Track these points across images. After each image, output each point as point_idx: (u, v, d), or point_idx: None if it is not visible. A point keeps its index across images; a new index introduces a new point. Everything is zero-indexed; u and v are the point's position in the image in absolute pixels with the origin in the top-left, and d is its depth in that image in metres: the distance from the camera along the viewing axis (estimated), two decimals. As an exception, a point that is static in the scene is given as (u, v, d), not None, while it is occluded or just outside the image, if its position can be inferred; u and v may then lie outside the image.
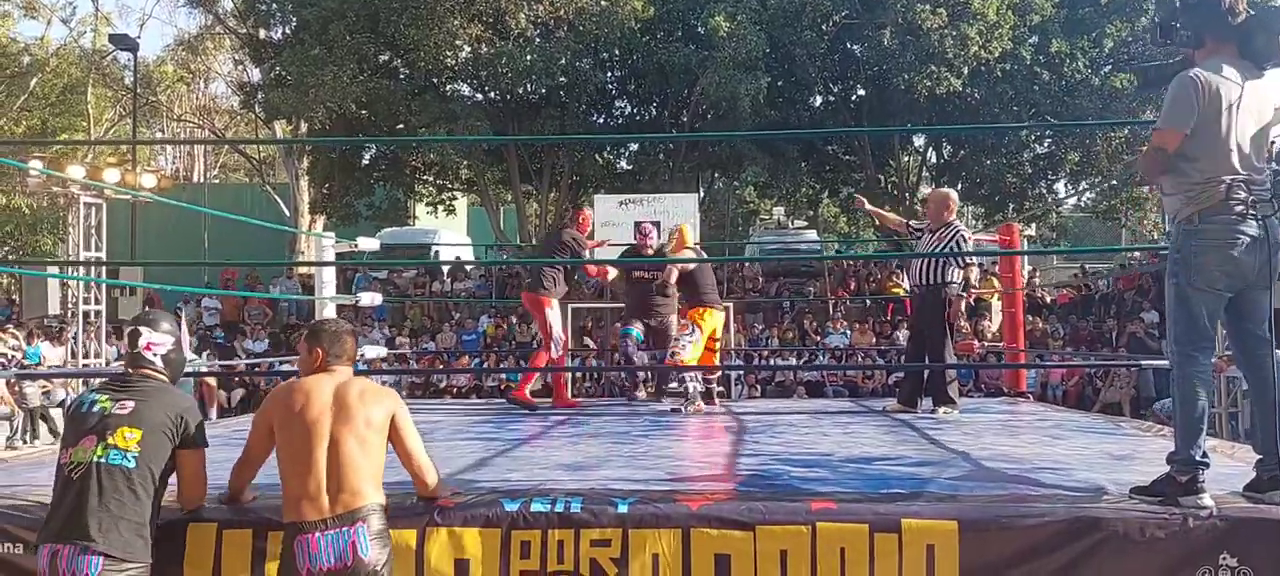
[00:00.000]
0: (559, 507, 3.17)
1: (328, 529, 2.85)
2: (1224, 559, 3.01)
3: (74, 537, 2.82)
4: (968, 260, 6.62)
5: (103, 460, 2.90)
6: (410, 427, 3.14)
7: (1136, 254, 18.11)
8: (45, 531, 2.92)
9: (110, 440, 2.93)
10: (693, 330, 6.83)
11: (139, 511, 2.91)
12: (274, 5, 20.11)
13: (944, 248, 6.31)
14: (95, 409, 3.01)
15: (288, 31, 19.71)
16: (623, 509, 3.16)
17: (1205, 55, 3.24)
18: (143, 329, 3.20)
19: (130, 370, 3.19)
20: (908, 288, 16.22)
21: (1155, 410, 11.92)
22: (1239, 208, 3.13)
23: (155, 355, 3.18)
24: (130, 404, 3.01)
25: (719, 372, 7.57)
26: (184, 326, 3.12)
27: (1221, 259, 3.17)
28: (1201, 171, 3.17)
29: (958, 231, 6.45)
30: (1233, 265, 3.17)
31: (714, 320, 7.05)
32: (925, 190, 21.23)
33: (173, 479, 3.11)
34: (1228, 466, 3.64)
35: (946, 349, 6.37)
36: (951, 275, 6.40)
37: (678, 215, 14.91)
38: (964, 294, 6.87)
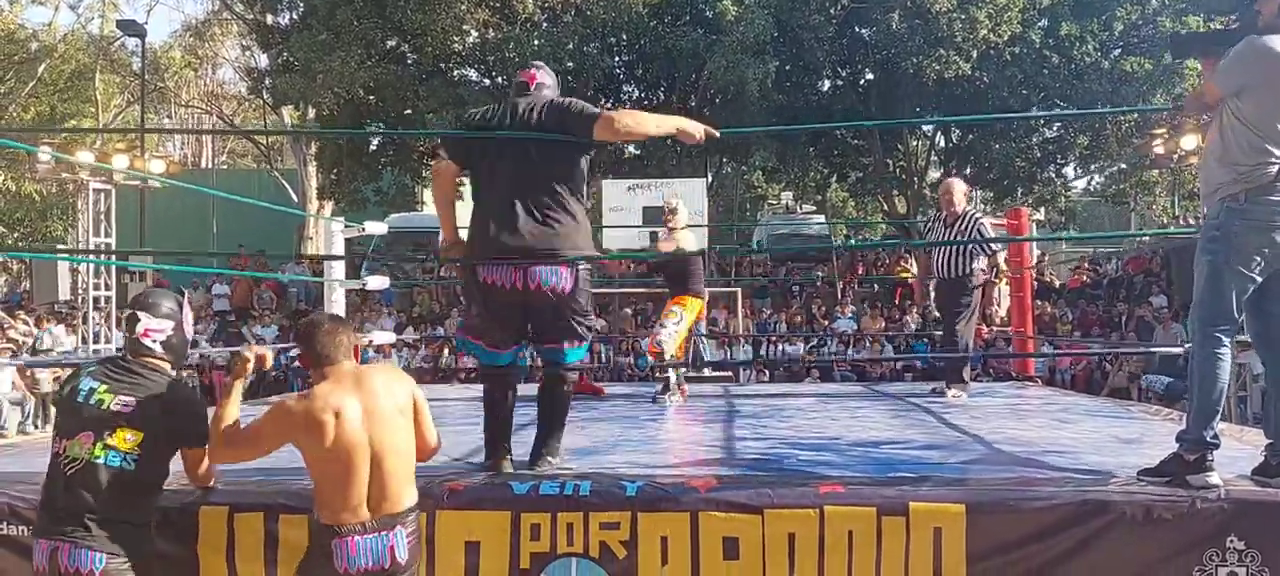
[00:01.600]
0: (568, 490, 3.19)
1: (367, 532, 2.80)
2: (1231, 541, 3.02)
3: (74, 535, 2.77)
4: (993, 248, 6.60)
5: (101, 460, 2.82)
6: (426, 408, 3.07)
7: (1146, 237, 18.05)
8: (41, 525, 2.89)
9: (109, 440, 2.83)
10: (679, 315, 6.34)
11: (138, 511, 2.87)
12: (281, -10, 20.14)
13: (967, 238, 6.33)
14: (92, 400, 2.88)
15: (295, 17, 19.71)
16: (631, 492, 3.18)
17: None
18: (140, 314, 3.01)
19: (130, 355, 3.02)
20: (915, 272, 16.23)
21: (1146, 384, 11.91)
22: None
23: (155, 342, 3.02)
24: (131, 401, 2.89)
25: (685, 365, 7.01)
26: (187, 307, 2.87)
27: (1264, 240, 3.11)
28: (1260, 148, 3.09)
29: (976, 220, 6.48)
30: (1275, 248, 3.12)
31: (698, 309, 6.63)
32: (934, 175, 21.18)
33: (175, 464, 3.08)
34: (1236, 450, 3.64)
35: (965, 333, 6.40)
36: (976, 264, 6.42)
37: (686, 199, 14.89)
38: (996, 280, 6.87)
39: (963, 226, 6.41)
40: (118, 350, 3.02)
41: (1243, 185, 3.12)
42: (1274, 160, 3.08)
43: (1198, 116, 3.12)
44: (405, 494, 2.88)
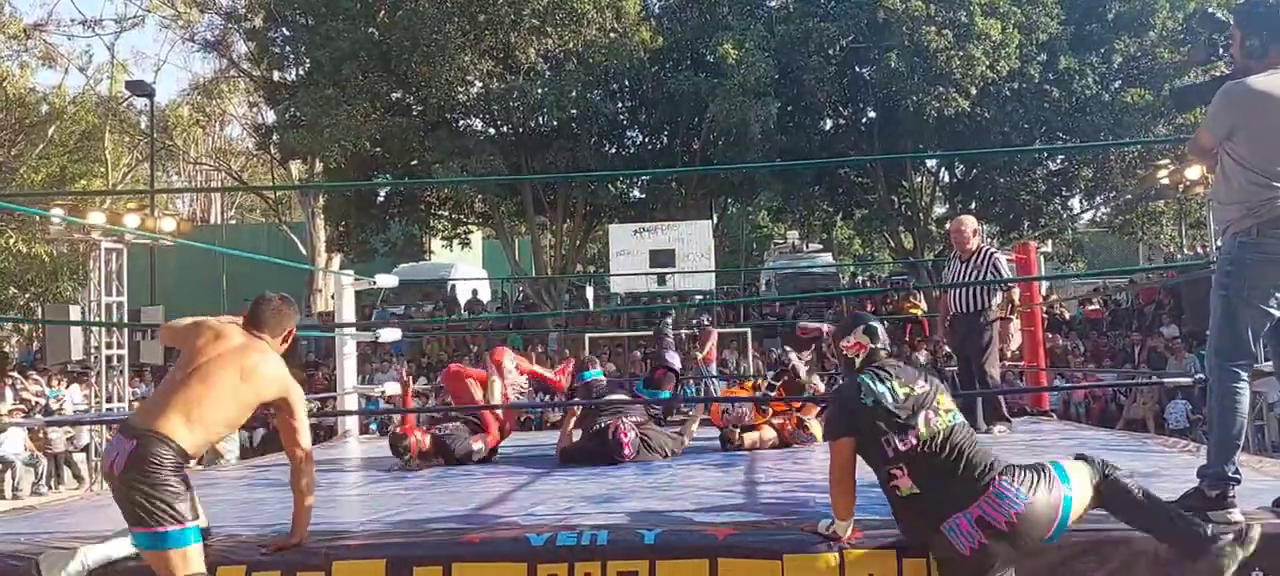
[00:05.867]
0: (586, 540, 3.17)
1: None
2: (1255, 575, 2.99)
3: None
4: (1007, 283, 6.64)
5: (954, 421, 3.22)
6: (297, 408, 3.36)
7: (1154, 271, 18.02)
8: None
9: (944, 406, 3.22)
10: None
11: None
12: (287, 48, 20.41)
13: (982, 274, 6.38)
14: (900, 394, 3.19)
15: (301, 73, 19.96)
16: (650, 540, 3.16)
17: (1268, 66, 3.17)
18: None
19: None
20: (924, 309, 16.22)
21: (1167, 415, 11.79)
22: None
23: None
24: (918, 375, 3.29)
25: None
26: None
27: (1278, 273, 3.13)
28: (1261, 183, 3.11)
29: (991, 255, 6.54)
30: None
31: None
32: (939, 210, 21.21)
33: None
34: (1256, 481, 3.61)
35: (991, 370, 6.45)
36: (993, 299, 6.45)
37: (692, 241, 14.96)
38: (1009, 315, 6.90)
39: (978, 261, 6.48)
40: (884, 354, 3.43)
41: (1253, 220, 3.13)
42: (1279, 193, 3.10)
43: (1203, 163, 3.14)
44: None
